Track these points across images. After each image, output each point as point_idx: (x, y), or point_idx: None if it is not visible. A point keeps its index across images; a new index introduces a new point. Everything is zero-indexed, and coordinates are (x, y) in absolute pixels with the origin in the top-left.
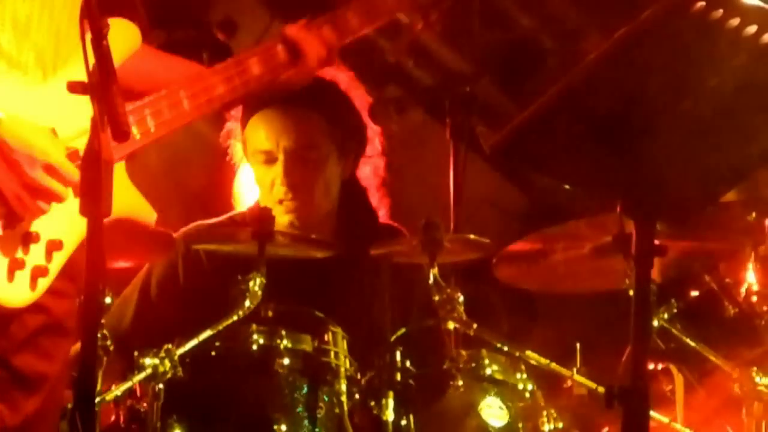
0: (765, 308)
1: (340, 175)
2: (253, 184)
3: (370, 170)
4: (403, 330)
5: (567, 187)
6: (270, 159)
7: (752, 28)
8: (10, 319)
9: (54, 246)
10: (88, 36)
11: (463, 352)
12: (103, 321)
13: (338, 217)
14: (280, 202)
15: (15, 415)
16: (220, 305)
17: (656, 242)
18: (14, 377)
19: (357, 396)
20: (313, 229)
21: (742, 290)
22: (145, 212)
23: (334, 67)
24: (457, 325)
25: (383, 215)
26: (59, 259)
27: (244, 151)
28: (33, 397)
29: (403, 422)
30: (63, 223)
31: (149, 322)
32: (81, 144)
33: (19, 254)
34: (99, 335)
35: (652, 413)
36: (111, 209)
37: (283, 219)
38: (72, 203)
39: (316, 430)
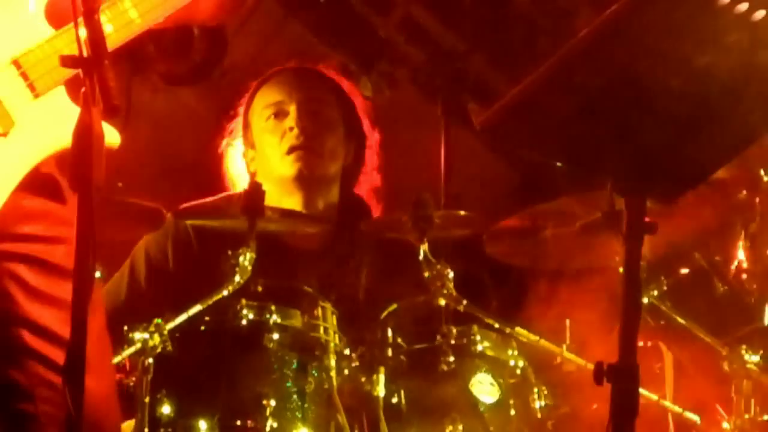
0: (755, 286)
1: (343, 156)
2: (242, 161)
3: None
4: (394, 306)
5: (558, 164)
6: (280, 112)
7: (744, 6)
8: None
9: None
10: (80, 10)
11: (454, 329)
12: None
13: (338, 212)
14: (291, 150)
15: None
16: (211, 287)
17: (646, 219)
18: (37, 332)
19: (346, 371)
20: (318, 192)
21: (732, 268)
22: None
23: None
24: (447, 301)
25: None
26: None
27: (247, 122)
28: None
29: (394, 399)
30: None
31: (141, 307)
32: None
33: None
34: None
35: (641, 390)
36: (103, 182)
37: (291, 169)
38: None
39: (306, 405)
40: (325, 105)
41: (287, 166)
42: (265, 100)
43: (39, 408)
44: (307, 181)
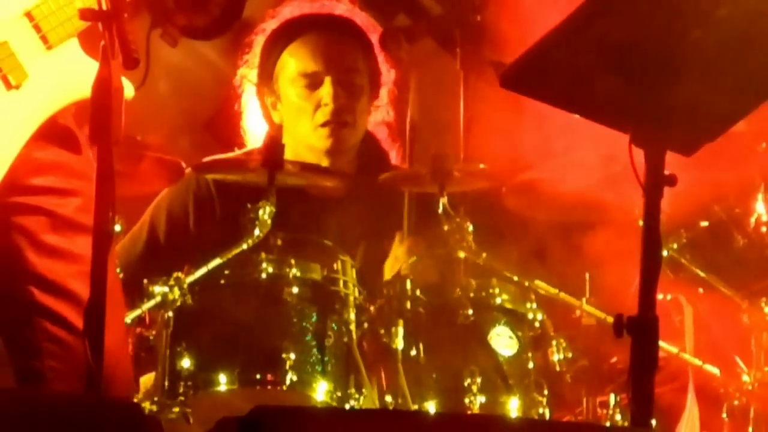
0: None
1: (367, 109)
2: (260, 118)
3: (380, 117)
4: (413, 259)
5: (578, 116)
6: (314, 83)
7: None
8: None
9: None
10: None
11: (473, 281)
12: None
13: (357, 155)
14: (324, 125)
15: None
16: (232, 243)
17: (666, 172)
18: (46, 287)
19: (365, 325)
20: (344, 156)
21: (752, 220)
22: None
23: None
24: (467, 254)
25: (394, 157)
26: None
27: (271, 74)
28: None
29: (413, 351)
30: None
31: (157, 262)
32: None
33: None
34: None
35: (660, 343)
36: (121, 136)
37: (324, 143)
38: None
39: (325, 358)
40: (357, 74)
41: (319, 139)
42: (297, 66)
43: (45, 363)
44: (338, 151)
